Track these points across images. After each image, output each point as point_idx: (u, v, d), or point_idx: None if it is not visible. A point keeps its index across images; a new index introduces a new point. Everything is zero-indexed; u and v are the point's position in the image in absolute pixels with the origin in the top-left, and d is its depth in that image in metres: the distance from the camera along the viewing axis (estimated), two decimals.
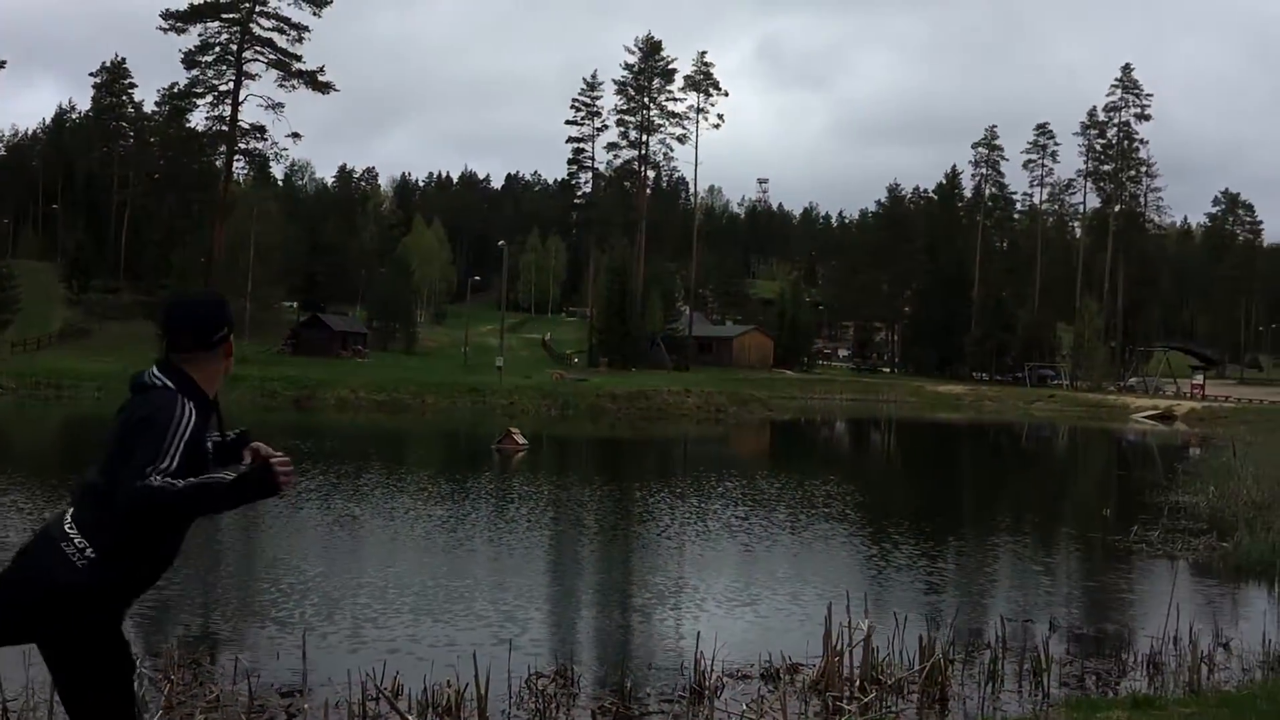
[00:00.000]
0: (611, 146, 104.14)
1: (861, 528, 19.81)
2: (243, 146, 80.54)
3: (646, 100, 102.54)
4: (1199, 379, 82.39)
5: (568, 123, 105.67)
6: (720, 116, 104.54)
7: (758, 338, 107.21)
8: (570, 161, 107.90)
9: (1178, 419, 67.64)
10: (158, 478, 3.50)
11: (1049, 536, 19.94)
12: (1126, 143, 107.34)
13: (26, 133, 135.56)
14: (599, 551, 16.78)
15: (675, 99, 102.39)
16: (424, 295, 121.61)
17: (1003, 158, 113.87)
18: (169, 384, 3.76)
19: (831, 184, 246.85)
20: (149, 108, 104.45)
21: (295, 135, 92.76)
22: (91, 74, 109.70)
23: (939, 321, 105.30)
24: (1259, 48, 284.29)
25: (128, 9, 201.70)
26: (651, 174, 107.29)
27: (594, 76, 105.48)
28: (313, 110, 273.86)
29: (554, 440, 41.33)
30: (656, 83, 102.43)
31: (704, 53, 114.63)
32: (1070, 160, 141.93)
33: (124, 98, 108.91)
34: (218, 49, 77.77)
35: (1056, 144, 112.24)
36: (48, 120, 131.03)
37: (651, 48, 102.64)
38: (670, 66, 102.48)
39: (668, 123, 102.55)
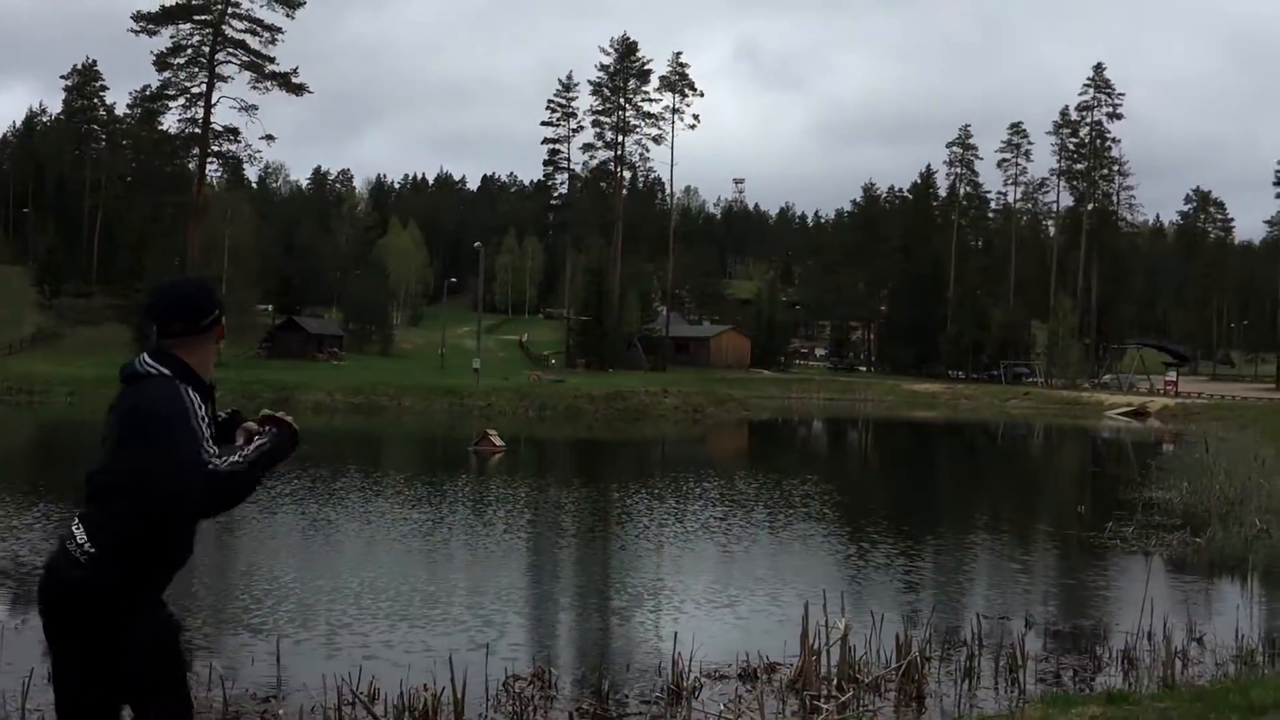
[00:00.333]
0: (587, 147, 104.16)
1: (839, 527, 19.87)
2: (216, 149, 79.95)
3: (622, 101, 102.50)
4: (1172, 375, 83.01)
5: (543, 124, 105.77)
6: (696, 117, 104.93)
7: (735, 338, 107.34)
8: (546, 163, 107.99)
9: (1151, 415, 68.14)
10: (217, 460, 3.51)
11: (1025, 534, 20.05)
12: (1099, 142, 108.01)
13: None
14: (577, 553, 16.76)
15: (651, 100, 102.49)
16: (400, 297, 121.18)
17: (977, 157, 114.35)
18: (164, 371, 3.67)
19: (808, 184, 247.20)
20: (121, 110, 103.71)
21: (269, 137, 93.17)
22: (62, 76, 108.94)
23: (915, 320, 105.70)
24: (1230, 47, 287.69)
25: (98, 11, 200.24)
26: (627, 175, 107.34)
27: (569, 77, 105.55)
28: (286, 112, 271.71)
29: (531, 442, 41.26)
30: (632, 83, 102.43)
31: (679, 53, 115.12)
32: (1044, 159, 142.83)
33: (95, 100, 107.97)
34: (190, 51, 77.12)
35: (1030, 143, 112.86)
36: (18, 123, 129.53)
37: (627, 48, 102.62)
38: (646, 67, 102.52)
39: (643, 123, 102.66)
